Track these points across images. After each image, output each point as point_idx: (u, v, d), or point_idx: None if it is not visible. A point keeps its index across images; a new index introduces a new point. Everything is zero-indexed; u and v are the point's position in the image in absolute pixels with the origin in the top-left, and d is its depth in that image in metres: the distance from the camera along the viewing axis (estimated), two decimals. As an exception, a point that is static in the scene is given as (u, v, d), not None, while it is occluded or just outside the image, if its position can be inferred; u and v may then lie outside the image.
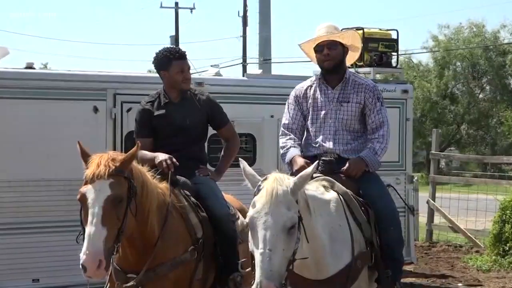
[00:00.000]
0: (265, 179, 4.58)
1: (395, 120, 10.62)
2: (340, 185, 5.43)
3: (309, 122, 5.90)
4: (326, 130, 5.82)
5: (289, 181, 4.58)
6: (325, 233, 5.00)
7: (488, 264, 12.29)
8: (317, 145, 5.84)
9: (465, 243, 14.50)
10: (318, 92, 5.88)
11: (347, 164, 5.67)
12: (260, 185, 4.56)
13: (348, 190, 5.43)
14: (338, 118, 5.80)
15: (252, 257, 4.47)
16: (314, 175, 5.45)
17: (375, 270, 5.50)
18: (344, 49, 5.87)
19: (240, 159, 4.87)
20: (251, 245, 4.49)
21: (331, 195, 5.29)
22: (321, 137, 5.83)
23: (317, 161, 5.02)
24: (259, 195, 4.51)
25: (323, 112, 5.84)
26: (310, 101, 5.89)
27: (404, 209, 10.36)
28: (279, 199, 4.45)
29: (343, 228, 5.18)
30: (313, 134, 5.88)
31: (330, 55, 5.79)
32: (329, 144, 5.78)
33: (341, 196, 5.33)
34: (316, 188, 5.22)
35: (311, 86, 5.93)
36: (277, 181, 4.52)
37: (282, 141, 5.89)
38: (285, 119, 5.98)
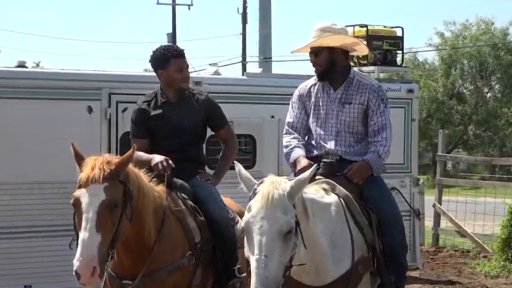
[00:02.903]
0: (261, 182, 4.58)
1: (400, 120, 10.64)
2: (341, 188, 5.43)
3: (311, 122, 5.92)
4: (327, 131, 5.83)
5: (286, 184, 4.57)
6: (325, 238, 5.00)
7: (497, 270, 12.27)
8: (318, 146, 5.85)
9: (473, 248, 14.47)
10: (321, 91, 5.89)
11: (350, 169, 5.67)
12: (256, 189, 4.56)
13: (349, 193, 5.43)
14: (340, 119, 5.81)
15: (248, 263, 4.47)
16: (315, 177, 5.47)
17: (378, 276, 5.50)
18: (333, 52, 5.82)
19: (235, 161, 4.88)
20: (246, 251, 4.50)
21: (332, 198, 5.29)
22: (323, 138, 5.84)
23: (315, 165, 5.02)
24: (255, 199, 4.51)
25: (324, 113, 5.85)
26: (312, 100, 5.91)
27: (409, 212, 10.36)
28: (275, 203, 4.45)
29: (343, 232, 5.18)
30: (315, 135, 5.89)
31: (316, 62, 5.84)
32: (330, 145, 5.79)
33: (342, 199, 5.33)
34: (316, 191, 5.21)
35: (315, 84, 5.95)
36: (274, 185, 4.52)
37: (285, 139, 5.91)
38: (289, 118, 6.01)
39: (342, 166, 5.71)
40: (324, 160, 5.71)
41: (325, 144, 5.81)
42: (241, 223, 4.52)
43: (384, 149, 5.75)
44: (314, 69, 5.89)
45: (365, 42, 6.18)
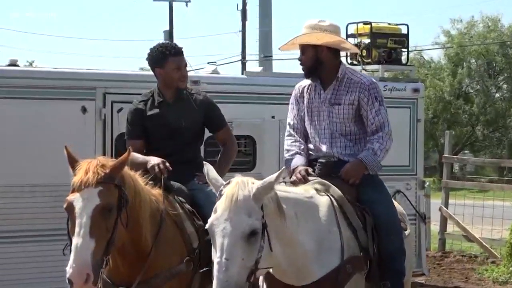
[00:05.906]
0: (228, 183, 4.62)
1: (405, 121, 10.64)
2: (336, 189, 5.43)
3: (306, 124, 5.93)
4: (321, 134, 5.85)
5: (253, 185, 4.60)
6: (310, 239, 5.01)
7: (505, 276, 12.26)
8: (315, 149, 5.87)
9: (480, 253, 14.46)
10: (313, 92, 5.90)
11: (344, 168, 5.65)
12: (222, 190, 4.61)
13: (344, 195, 5.43)
14: (332, 121, 5.80)
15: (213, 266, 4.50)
16: (310, 178, 5.51)
17: (374, 283, 5.48)
18: (319, 50, 5.78)
19: (204, 162, 4.92)
20: (213, 253, 4.53)
21: (322, 199, 5.29)
22: (317, 140, 5.86)
23: (284, 167, 5.03)
24: (220, 200, 4.57)
25: (316, 114, 5.86)
26: (306, 101, 5.92)
27: (415, 216, 10.36)
28: (239, 205, 4.49)
29: (332, 234, 5.18)
30: (310, 137, 5.91)
31: (301, 59, 5.86)
32: (325, 148, 5.81)
33: (334, 200, 5.33)
34: (305, 191, 5.24)
35: (309, 85, 5.95)
36: (239, 186, 4.56)
37: (287, 143, 5.94)
38: (289, 119, 6.03)
39: (340, 166, 5.70)
40: (320, 160, 5.72)
41: (320, 147, 5.83)
42: (207, 225, 4.56)
43: (380, 146, 5.71)
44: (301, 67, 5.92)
45: (351, 41, 6.12)
